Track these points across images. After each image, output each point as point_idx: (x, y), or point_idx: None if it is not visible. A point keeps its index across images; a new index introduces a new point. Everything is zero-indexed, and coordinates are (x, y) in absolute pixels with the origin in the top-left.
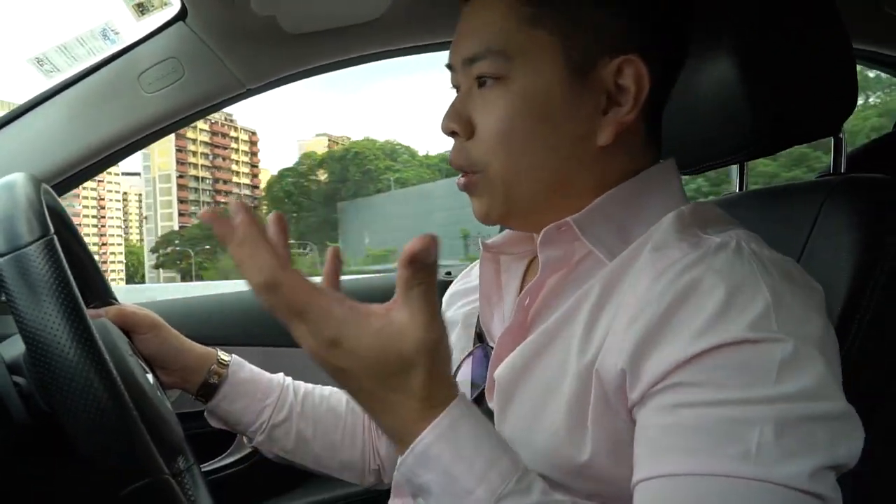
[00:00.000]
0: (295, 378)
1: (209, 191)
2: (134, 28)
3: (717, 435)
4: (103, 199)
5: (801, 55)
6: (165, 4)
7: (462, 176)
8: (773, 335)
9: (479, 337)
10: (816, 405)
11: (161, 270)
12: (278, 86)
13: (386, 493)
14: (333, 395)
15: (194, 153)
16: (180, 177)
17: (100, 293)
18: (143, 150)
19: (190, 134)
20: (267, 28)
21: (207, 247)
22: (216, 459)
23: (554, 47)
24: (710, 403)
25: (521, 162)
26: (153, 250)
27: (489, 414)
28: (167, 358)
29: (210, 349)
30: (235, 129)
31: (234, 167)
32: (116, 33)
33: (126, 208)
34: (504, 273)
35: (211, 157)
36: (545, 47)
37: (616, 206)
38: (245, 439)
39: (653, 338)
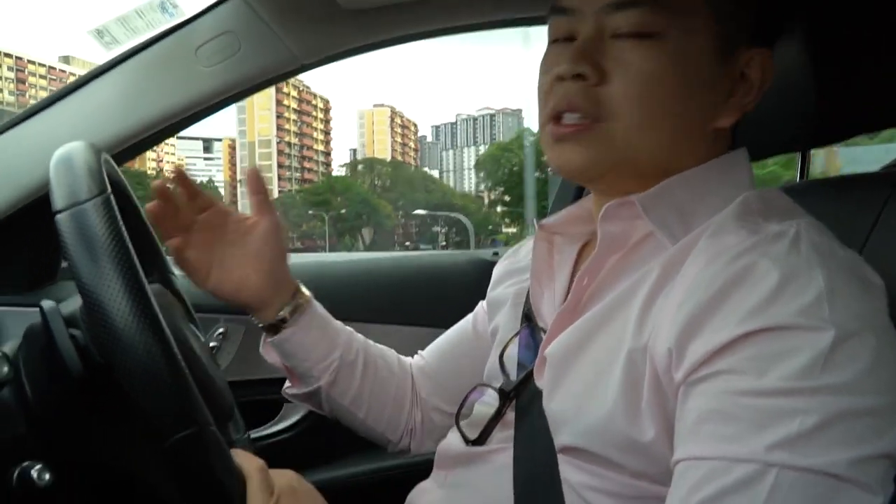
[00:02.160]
0: None
1: (297, 156)
2: (192, 1)
3: (756, 423)
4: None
5: (873, 41)
6: None
7: (574, 123)
8: (822, 323)
9: (527, 317)
10: (862, 398)
11: None
12: (332, 61)
13: (428, 464)
14: (386, 351)
15: (288, 119)
16: (279, 142)
17: (159, 267)
18: (239, 115)
19: (286, 101)
20: (323, 3)
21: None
22: (262, 427)
23: (709, 18)
24: (752, 392)
25: (649, 124)
26: None
27: (537, 393)
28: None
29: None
30: (314, 96)
31: (314, 134)
32: (175, 6)
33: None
34: (557, 254)
35: (299, 125)
36: (701, 15)
37: (682, 190)
38: (300, 382)
39: (701, 319)
